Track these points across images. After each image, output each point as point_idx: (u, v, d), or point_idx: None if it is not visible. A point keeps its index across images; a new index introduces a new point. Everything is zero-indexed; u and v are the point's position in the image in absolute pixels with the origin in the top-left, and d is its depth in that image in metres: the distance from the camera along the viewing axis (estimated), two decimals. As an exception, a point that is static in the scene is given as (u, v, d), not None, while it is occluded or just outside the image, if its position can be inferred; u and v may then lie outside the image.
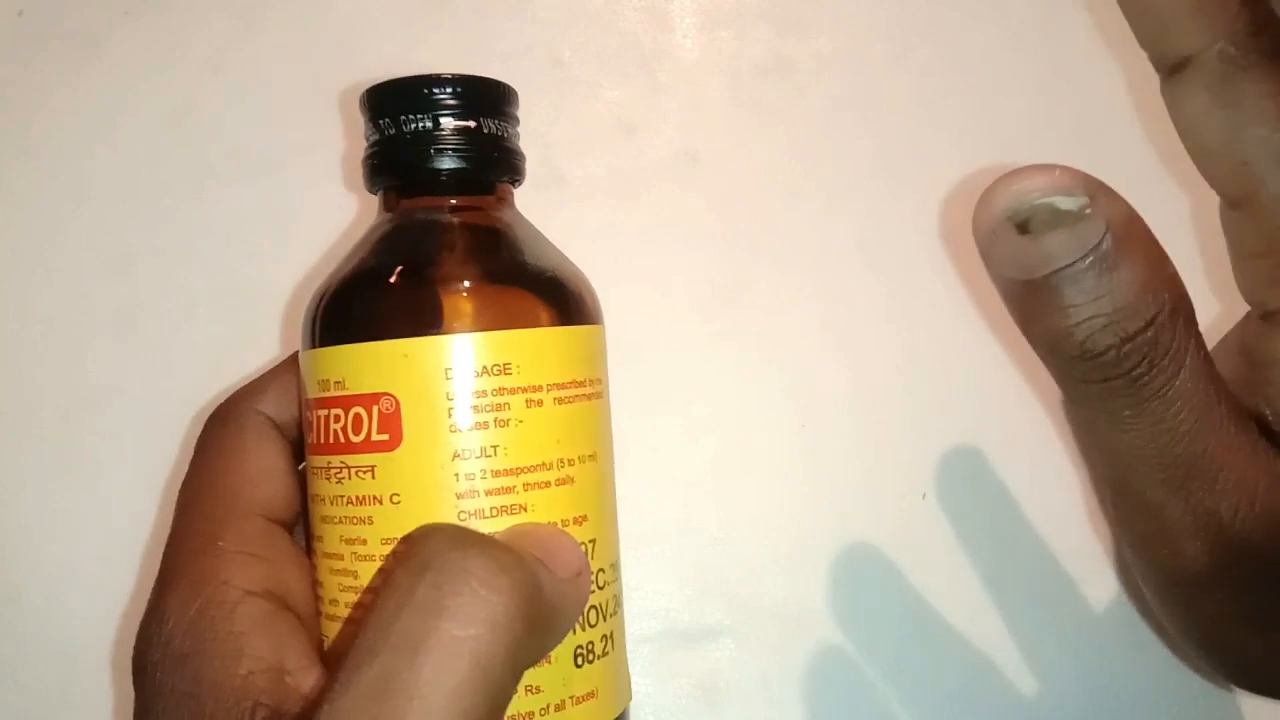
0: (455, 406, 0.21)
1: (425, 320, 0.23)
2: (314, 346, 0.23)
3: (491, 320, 0.23)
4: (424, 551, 0.18)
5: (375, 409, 0.21)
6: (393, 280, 0.24)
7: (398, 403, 0.21)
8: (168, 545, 0.24)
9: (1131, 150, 0.37)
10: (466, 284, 0.23)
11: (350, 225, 0.37)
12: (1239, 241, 0.23)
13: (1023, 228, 0.20)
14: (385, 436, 0.21)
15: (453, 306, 0.23)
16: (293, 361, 0.26)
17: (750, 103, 0.37)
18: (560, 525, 0.22)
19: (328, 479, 0.22)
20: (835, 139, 0.37)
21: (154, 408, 0.36)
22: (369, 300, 0.24)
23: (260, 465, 0.24)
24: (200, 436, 0.25)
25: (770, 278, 0.36)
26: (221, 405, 0.26)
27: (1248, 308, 0.24)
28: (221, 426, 0.25)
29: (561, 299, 0.24)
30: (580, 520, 0.23)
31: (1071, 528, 0.36)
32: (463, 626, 0.17)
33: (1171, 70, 0.22)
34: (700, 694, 0.34)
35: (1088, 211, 0.19)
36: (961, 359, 0.36)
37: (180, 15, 0.38)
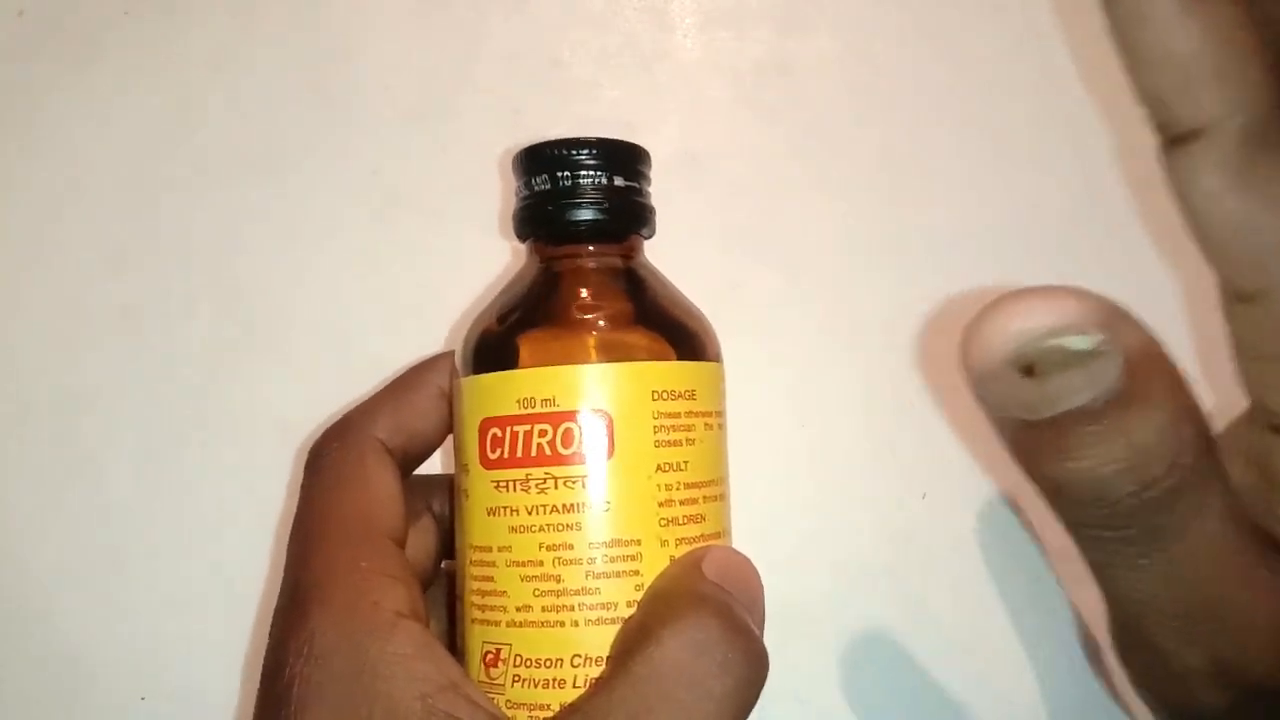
0: (658, 425, 0.24)
1: (632, 348, 0.26)
2: (507, 368, 0.25)
3: (684, 352, 0.26)
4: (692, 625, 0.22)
5: (589, 424, 0.24)
6: (599, 312, 0.26)
7: (611, 419, 0.24)
8: (300, 561, 0.24)
9: (1132, 149, 0.37)
10: (664, 319, 0.26)
11: (349, 227, 0.37)
12: (1248, 340, 0.20)
13: (1027, 370, 0.17)
14: (598, 449, 0.24)
15: (654, 339, 0.26)
16: (400, 387, 0.27)
17: (750, 103, 0.37)
18: (720, 535, 0.25)
19: (525, 490, 0.24)
20: (835, 139, 0.37)
21: (153, 408, 0.36)
22: (580, 328, 0.26)
23: (383, 489, 0.25)
24: (317, 457, 0.26)
25: (770, 277, 0.36)
26: (336, 427, 0.27)
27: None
28: (341, 450, 0.26)
29: (713, 338, 0.27)
30: (727, 532, 0.26)
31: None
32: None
33: (1177, 140, 0.19)
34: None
35: (1104, 349, 0.17)
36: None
37: (180, 15, 0.38)
